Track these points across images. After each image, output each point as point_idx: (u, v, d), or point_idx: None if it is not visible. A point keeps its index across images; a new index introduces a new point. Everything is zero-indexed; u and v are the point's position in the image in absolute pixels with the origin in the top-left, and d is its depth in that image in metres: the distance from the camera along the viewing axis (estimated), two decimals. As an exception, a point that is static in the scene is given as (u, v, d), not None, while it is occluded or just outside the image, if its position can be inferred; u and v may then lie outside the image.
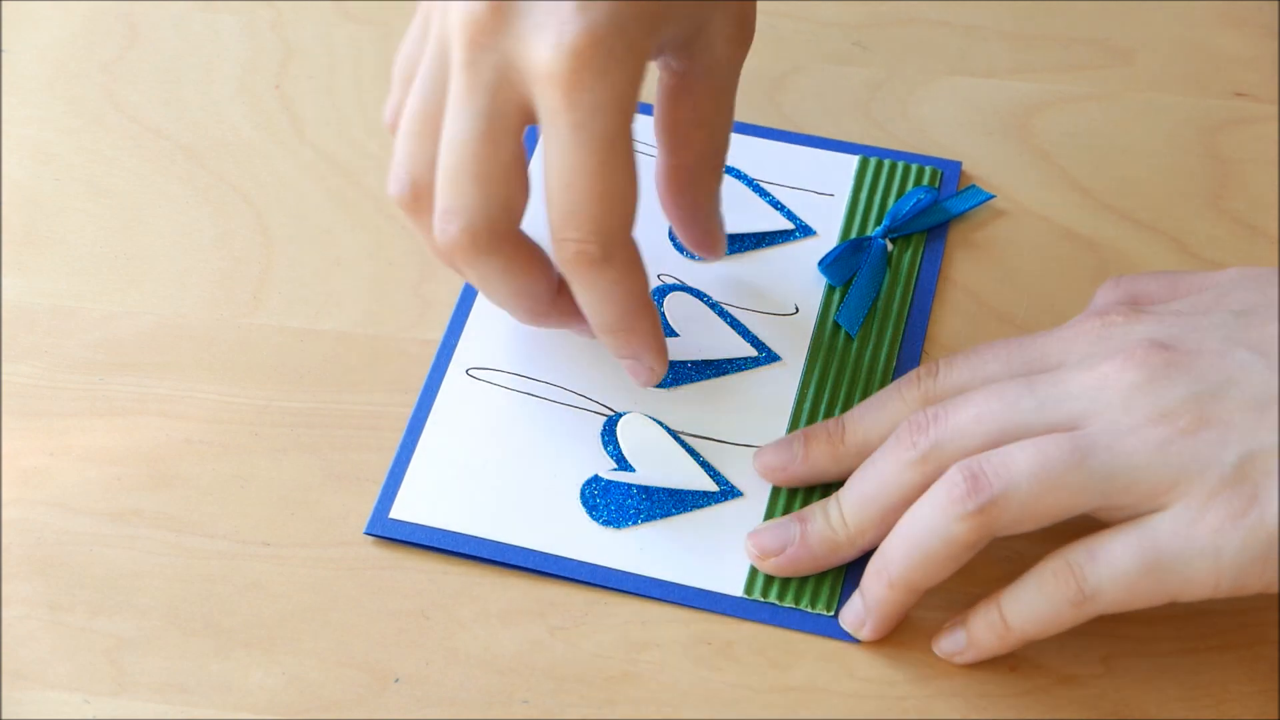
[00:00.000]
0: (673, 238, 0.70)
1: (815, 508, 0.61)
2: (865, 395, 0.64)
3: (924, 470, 0.58)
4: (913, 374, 0.61)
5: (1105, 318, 0.60)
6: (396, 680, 0.59)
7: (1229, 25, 0.77)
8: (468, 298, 0.68)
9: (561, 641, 0.60)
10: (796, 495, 0.63)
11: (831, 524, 0.60)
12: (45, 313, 0.68)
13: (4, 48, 0.77)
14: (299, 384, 0.66)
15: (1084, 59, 0.76)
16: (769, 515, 0.62)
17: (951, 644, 0.59)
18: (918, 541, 0.57)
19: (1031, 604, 0.57)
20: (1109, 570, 0.55)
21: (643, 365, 0.62)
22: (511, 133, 0.57)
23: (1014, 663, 0.59)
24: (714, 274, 0.69)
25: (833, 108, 0.74)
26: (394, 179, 0.59)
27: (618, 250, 0.58)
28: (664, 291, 0.68)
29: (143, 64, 0.76)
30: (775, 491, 0.63)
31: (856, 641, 0.60)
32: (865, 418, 0.62)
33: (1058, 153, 0.73)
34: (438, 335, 0.67)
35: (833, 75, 0.75)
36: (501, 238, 0.58)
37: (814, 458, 0.62)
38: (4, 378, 0.66)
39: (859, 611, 0.59)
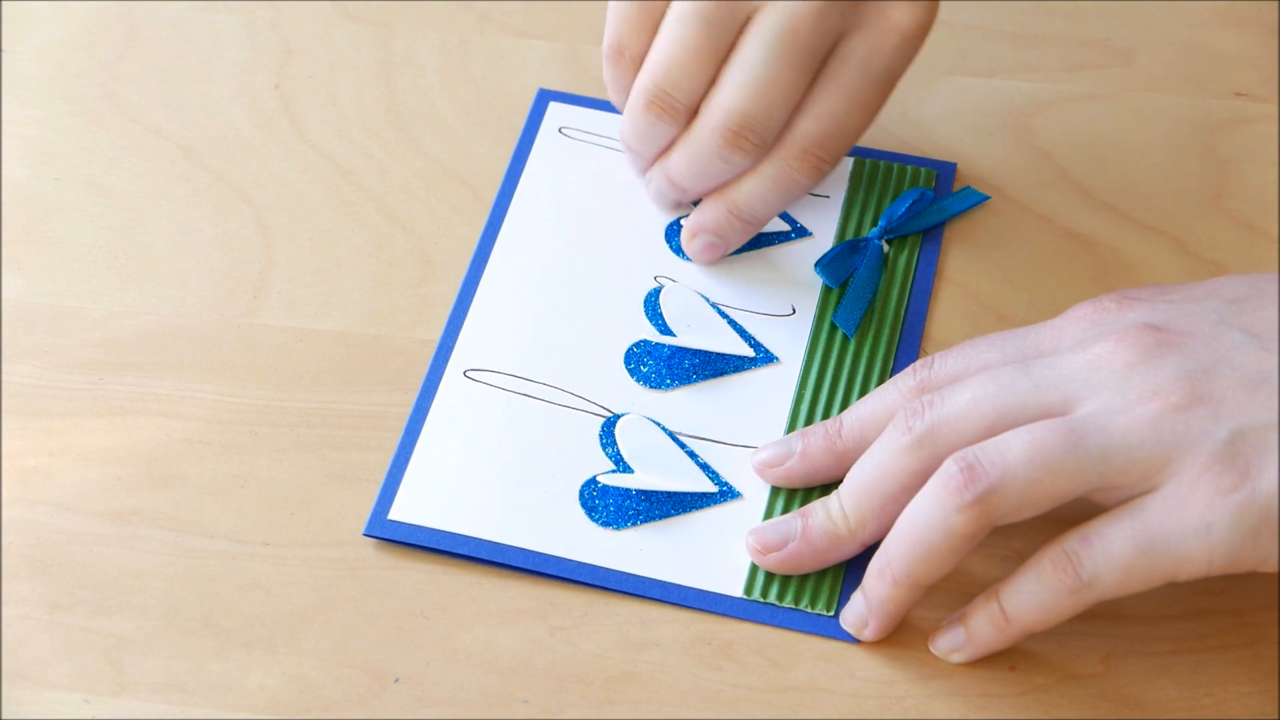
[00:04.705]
0: (668, 238, 0.70)
1: (816, 504, 0.61)
2: (863, 396, 0.64)
3: (920, 455, 0.58)
4: (909, 368, 0.62)
5: (1098, 304, 0.60)
6: (396, 680, 0.59)
7: (1229, 25, 0.77)
8: (465, 298, 0.68)
9: (561, 641, 0.60)
10: (796, 496, 0.63)
11: (833, 517, 0.60)
12: (45, 313, 0.68)
13: (4, 48, 0.77)
14: (299, 384, 0.66)
15: (1084, 59, 0.76)
16: (768, 516, 0.62)
17: (949, 641, 0.59)
18: (919, 536, 0.57)
19: (1031, 594, 0.57)
20: (1104, 555, 0.55)
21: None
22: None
23: (1014, 662, 0.59)
24: (710, 275, 0.69)
25: (833, 107, 0.74)
26: (662, 96, 0.66)
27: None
28: (660, 287, 0.68)
29: (143, 64, 0.76)
30: (774, 492, 0.63)
31: (856, 641, 0.60)
32: (862, 413, 0.62)
33: (1058, 153, 0.73)
34: (437, 335, 0.67)
35: (833, 75, 0.75)
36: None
37: (811, 454, 0.62)
38: (4, 378, 0.66)
39: (861, 612, 0.59)
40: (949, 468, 0.57)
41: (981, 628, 0.58)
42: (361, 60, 0.76)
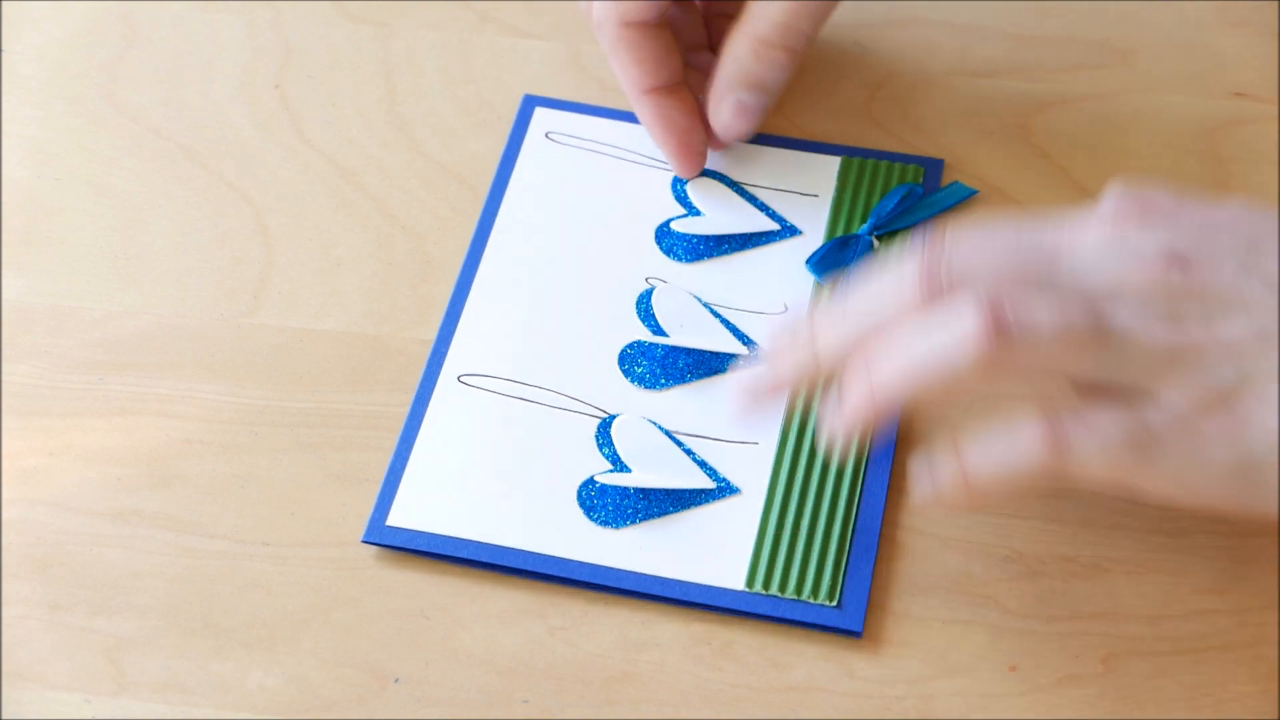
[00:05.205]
0: (659, 240, 0.70)
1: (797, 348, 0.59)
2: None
3: (930, 290, 0.56)
4: (917, 250, 0.58)
5: (1118, 223, 0.58)
6: (396, 680, 0.59)
7: (1229, 25, 0.77)
8: (458, 302, 0.68)
9: (561, 641, 0.60)
10: (794, 487, 0.63)
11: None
12: (45, 313, 0.68)
13: (4, 48, 0.77)
14: (299, 384, 0.66)
15: (1084, 59, 0.76)
16: (766, 510, 0.62)
17: (924, 489, 0.57)
18: (917, 358, 0.55)
19: (997, 455, 0.56)
20: (1097, 438, 0.55)
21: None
22: None
23: (1014, 662, 0.59)
24: (701, 275, 0.69)
25: (833, 108, 0.74)
26: None
27: None
28: (652, 288, 0.68)
29: (143, 64, 0.76)
30: (773, 486, 0.63)
31: (857, 637, 0.60)
32: (867, 291, 0.59)
33: (1058, 153, 0.73)
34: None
35: (833, 75, 0.75)
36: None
37: (819, 337, 0.59)
38: (4, 378, 0.66)
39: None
40: (972, 303, 0.55)
41: (946, 486, 0.57)
42: (361, 60, 0.76)
